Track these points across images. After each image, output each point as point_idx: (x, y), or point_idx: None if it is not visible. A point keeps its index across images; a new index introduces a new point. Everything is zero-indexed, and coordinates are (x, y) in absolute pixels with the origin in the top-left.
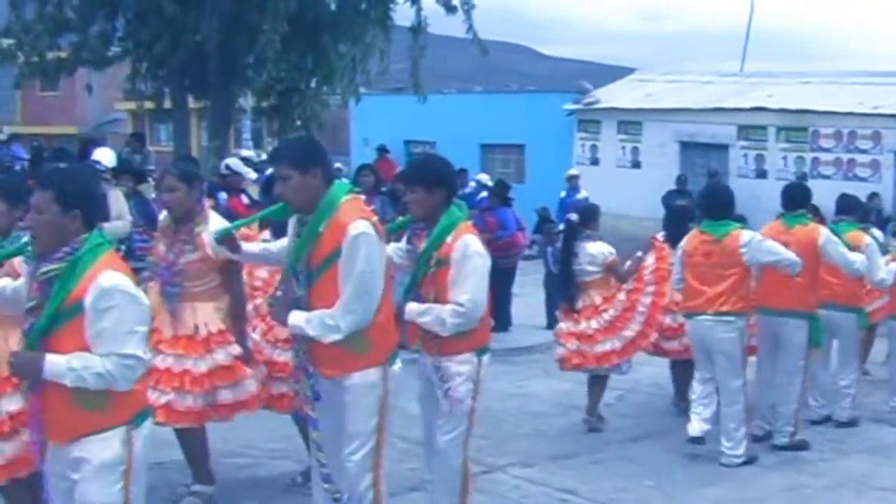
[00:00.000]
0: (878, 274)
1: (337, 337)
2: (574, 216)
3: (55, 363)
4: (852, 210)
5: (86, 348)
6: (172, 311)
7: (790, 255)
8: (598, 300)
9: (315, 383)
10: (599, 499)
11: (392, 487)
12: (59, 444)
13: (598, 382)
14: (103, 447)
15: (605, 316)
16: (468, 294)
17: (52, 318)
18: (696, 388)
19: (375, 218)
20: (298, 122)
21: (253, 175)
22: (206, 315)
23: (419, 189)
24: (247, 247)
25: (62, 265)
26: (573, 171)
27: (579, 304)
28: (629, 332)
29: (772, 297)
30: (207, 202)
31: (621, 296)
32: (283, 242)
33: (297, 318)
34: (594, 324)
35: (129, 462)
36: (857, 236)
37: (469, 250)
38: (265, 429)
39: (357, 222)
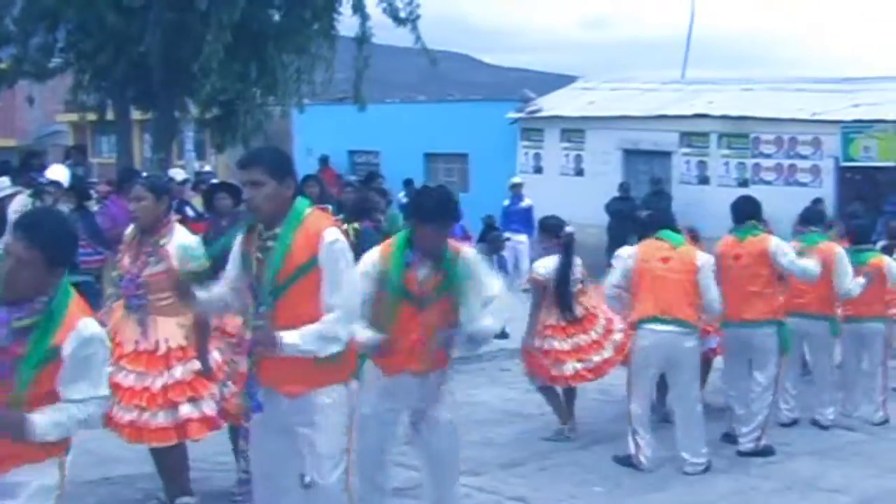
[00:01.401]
0: (844, 285)
1: (337, 348)
2: (570, 228)
3: (41, 425)
4: (817, 221)
5: (53, 392)
6: (141, 323)
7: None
8: (579, 311)
9: (255, 394)
10: None
11: None
12: None
13: (571, 392)
14: (43, 474)
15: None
16: None
17: (34, 369)
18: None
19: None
20: (240, 134)
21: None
22: (168, 331)
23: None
24: (203, 296)
25: (39, 316)
26: (516, 180)
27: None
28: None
29: (740, 308)
30: (174, 216)
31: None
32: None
33: (290, 336)
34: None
35: (62, 487)
36: (829, 247)
37: None
38: (215, 442)
39: (330, 229)
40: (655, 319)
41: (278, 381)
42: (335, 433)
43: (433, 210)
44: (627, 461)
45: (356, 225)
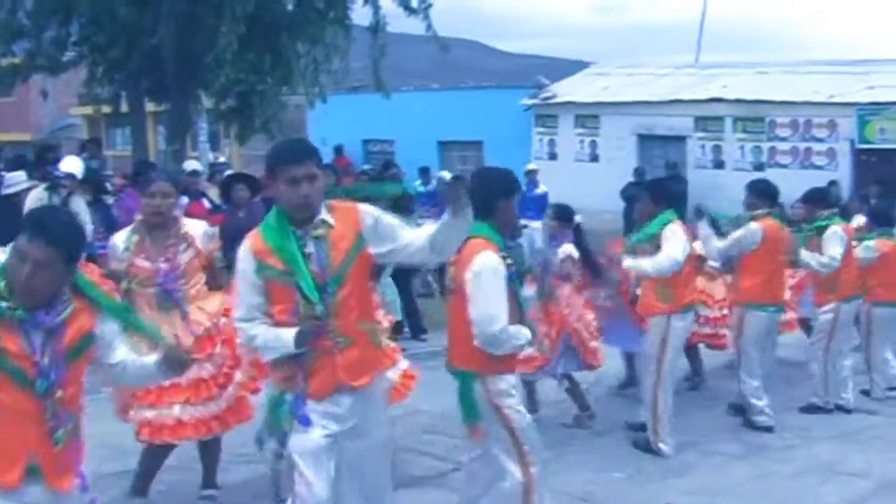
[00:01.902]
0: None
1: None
2: (580, 217)
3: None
4: (822, 201)
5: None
6: (185, 316)
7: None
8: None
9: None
10: (571, 492)
11: None
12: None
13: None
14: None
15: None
16: None
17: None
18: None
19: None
20: (258, 124)
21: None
22: (196, 317)
23: None
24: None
25: (67, 311)
26: (531, 166)
27: None
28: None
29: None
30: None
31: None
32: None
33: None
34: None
35: None
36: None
37: None
38: (233, 433)
39: (358, 205)
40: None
41: (357, 374)
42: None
43: (512, 181)
44: (647, 446)
45: None
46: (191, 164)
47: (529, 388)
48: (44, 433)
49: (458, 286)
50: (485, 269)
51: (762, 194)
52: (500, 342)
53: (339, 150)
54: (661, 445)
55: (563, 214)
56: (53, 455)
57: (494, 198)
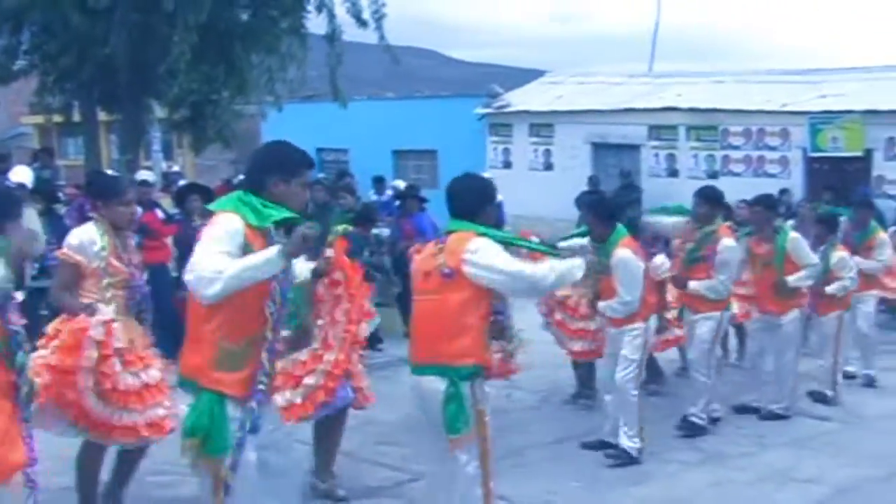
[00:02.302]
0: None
1: None
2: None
3: None
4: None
5: None
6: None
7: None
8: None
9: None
10: (531, 502)
11: None
12: None
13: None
14: None
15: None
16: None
17: None
18: None
19: None
20: (212, 134)
21: None
22: None
23: None
24: None
25: None
26: (486, 175)
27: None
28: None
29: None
30: None
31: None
32: None
33: None
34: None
35: None
36: None
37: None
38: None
39: None
40: None
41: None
42: None
43: (493, 188)
44: (598, 445)
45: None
46: (142, 175)
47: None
48: None
49: (456, 272)
50: (484, 243)
51: (717, 202)
52: (542, 278)
53: None
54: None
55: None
56: None
57: (481, 203)
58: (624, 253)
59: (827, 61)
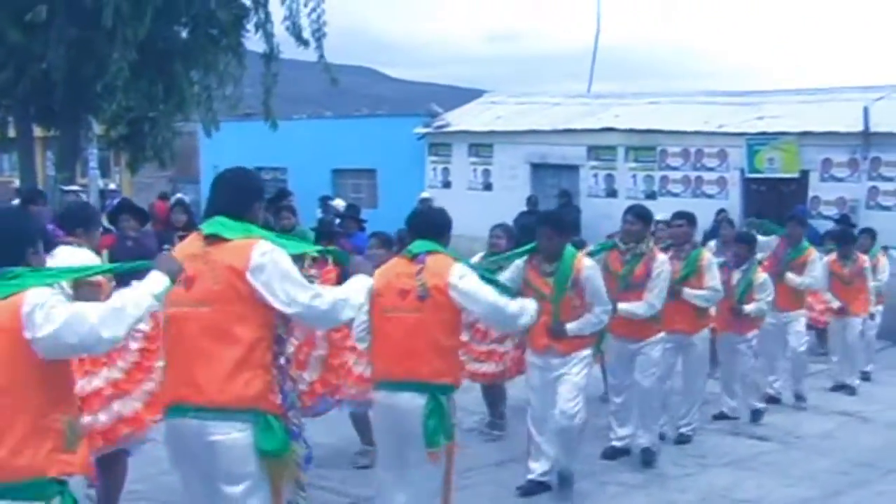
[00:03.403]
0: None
1: None
2: None
3: None
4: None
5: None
6: None
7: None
8: None
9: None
10: None
11: None
12: None
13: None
14: None
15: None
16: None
17: None
18: None
19: None
20: (150, 152)
21: None
22: None
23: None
24: None
25: None
26: (425, 194)
27: None
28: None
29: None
30: None
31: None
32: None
33: None
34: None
35: None
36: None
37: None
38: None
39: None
40: None
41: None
42: None
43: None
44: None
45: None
46: (73, 187)
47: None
48: None
49: (436, 292)
50: (468, 270)
51: (649, 220)
52: (519, 315)
53: None
54: None
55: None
56: None
57: (445, 227)
58: (589, 263)
59: (764, 83)
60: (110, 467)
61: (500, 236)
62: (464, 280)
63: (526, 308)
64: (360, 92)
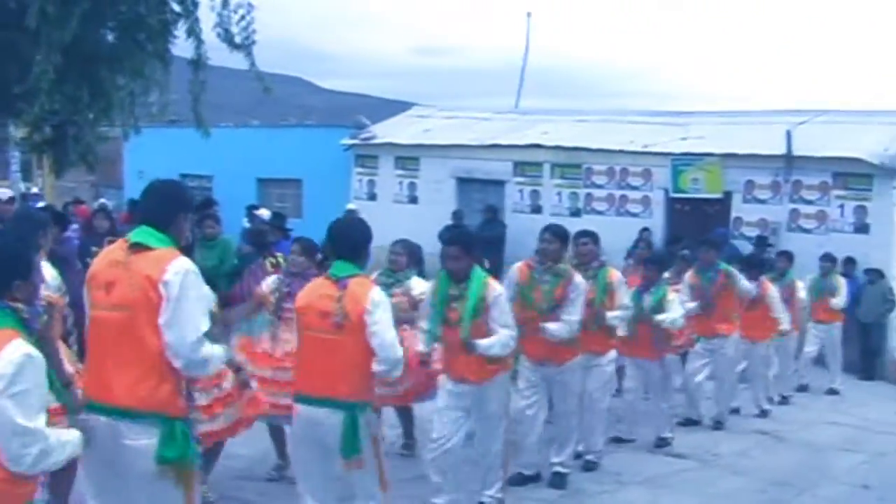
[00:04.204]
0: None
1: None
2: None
3: None
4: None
5: None
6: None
7: None
8: None
9: None
10: None
11: None
12: None
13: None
14: None
15: None
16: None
17: None
18: None
19: None
20: (74, 157)
21: None
22: None
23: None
24: None
25: None
26: (351, 206)
27: None
28: None
29: None
30: None
31: None
32: None
33: None
34: None
35: None
36: None
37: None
38: None
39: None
40: None
41: None
42: None
43: (370, 231)
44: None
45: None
46: (6, 192)
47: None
48: None
49: (355, 318)
50: (383, 300)
51: (566, 239)
52: (400, 363)
53: None
54: None
55: (311, 249)
56: None
57: (364, 244)
58: (499, 288)
59: (690, 104)
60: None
61: (399, 253)
62: (379, 309)
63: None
64: (290, 101)
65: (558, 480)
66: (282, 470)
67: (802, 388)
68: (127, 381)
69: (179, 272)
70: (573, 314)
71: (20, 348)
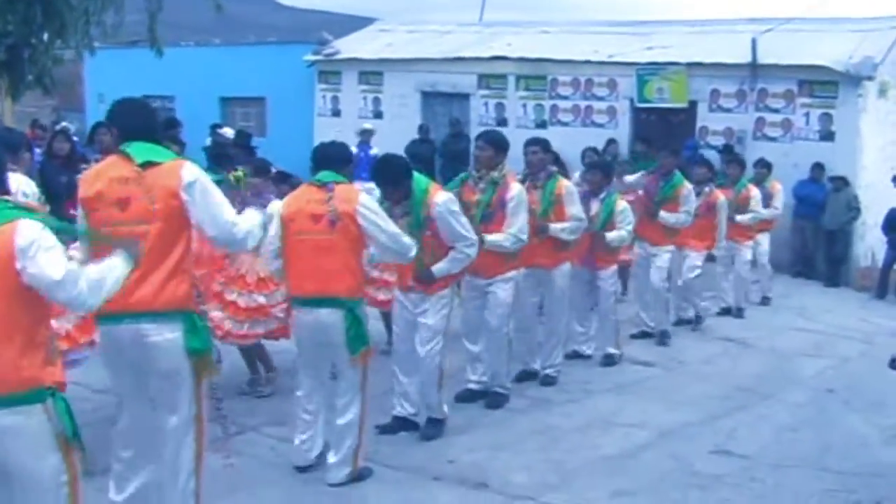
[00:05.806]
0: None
1: None
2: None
3: None
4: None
5: None
6: None
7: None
8: None
9: None
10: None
11: None
12: None
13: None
14: None
15: None
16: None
17: None
18: None
19: None
20: (30, 78)
21: None
22: None
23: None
24: None
25: None
26: (367, 126)
27: None
28: None
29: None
30: None
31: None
32: None
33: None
34: None
35: None
36: None
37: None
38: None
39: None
40: None
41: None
42: None
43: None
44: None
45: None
46: None
47: None
48: None
49: (346, 217)
50: (372, 200)
51: (502, 147)
52: (411, 247)
53: None
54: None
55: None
56: None
57: (349, 162)
58: (441, 199)
59: (654, 14)
60: None
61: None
62: (370, 209)
63: (410, 247)
64: (251, 20)
65: (498, 401)
66: (253, 385)
67: (765, 301)
68: (152, 287)
69: (194, 174)
70: (513, 225)
71: (30, 223)
